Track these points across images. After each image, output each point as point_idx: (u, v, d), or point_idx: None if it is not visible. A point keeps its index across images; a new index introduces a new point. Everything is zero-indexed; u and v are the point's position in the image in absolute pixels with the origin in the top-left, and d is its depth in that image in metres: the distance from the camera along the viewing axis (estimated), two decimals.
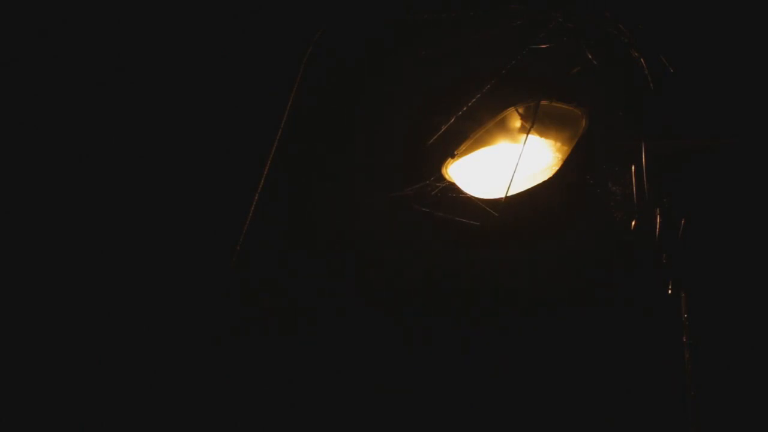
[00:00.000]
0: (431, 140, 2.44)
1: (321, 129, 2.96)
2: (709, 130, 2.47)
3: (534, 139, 2.42)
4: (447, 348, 3.23)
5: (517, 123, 2.40)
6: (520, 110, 2.38)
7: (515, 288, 3.19)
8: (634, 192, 2.36)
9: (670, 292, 2.27)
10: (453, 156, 2.43)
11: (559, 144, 2.46)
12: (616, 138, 2.50)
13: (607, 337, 3.08)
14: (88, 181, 3.06)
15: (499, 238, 2.95)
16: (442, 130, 2.42)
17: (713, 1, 2.58)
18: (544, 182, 2.54)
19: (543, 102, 2.36)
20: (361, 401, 3.18)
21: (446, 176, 2.53)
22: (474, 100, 2.38)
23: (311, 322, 3.24)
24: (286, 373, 3.19)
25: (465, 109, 2.39)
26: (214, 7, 2.90)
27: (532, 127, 2.37)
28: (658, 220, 2.28)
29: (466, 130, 2.40)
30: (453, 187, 2.61)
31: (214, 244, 3.07)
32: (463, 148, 2.42)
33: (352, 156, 3.02)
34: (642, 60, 2.40)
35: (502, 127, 2.41)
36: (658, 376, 2.87)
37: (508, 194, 2.44)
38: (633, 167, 2.37)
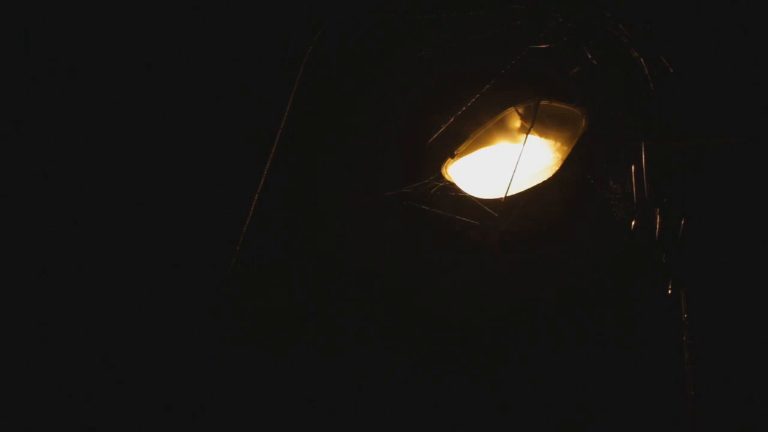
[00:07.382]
0: (431, 140, 2.44)
1: (321, 129, 2.95)
2: (709, 130, 2.47)
3: (534, 139, 2.42)
4: (447, 347, 3.23)
5: (517, 123, 2.40)
6: (520, 110, 2.38)
7: (515, 288, 3.19)
8: (634, 192, 2.35)
9: (670, 292, 2.27)
10: (453, 156, 2.43)
11: (559, 144, 2.46)
12: (616, 138, 2.50)
13: (607, 336, 3.08)
14: (87, 182, 3.05)
15: (499, 238, 2.95)
16: (442, 129, 2.42)
17: (713, 1, 2.58)
18: (544, 182, 2.53)
19: (543, 102, 2.36)
20: (359, 405, 3.18)
21: (446, 176, 2.53)
22: (474, 100, 2.38)
23: (309, 326, 3.23)
24: (284, 375, 3.18)
25: (465, 109, 2.38)
26: (213, 8, 2.90)
27: (532, 127, 2.36)
28: (658, 220, 2.28)
29: (466, 130, 2.40)
30: (453, 187, 2.61)
31: (213, 245, 3.07)
32: (463, 148, 2.42)
33: (352, 156, 3.01)
34: (642, 60, 2.40)
35: (502, 127, 2.40)
36: (658, 376, 2.87)
37: (508, 194, 2.44)
38: (633, 167, 2.36)
